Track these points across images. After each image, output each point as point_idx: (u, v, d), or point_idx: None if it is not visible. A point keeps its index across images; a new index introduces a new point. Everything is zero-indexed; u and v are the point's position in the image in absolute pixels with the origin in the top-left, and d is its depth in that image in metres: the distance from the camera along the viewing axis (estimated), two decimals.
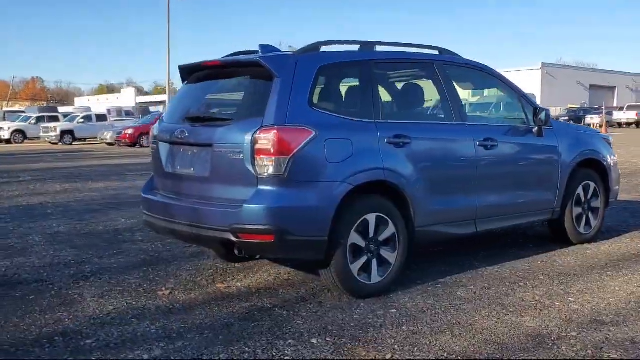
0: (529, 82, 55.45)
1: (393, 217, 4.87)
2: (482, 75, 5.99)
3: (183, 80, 5.49)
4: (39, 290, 5.12)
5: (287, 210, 4.41)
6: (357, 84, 5.10)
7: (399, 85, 5.41)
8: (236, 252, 4.59)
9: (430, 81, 5.50)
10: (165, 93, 73.78)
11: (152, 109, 53.53)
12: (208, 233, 4.61)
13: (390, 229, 4.87)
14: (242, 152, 4.47)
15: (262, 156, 4.40)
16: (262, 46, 5.14)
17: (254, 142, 4.42)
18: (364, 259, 4.76)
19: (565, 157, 6.26)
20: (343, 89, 5.21)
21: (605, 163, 6.71)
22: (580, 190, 6.49)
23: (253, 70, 4.89)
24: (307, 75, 4.64)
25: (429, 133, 5.24)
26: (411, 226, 5.00)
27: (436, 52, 5.69)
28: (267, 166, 4.39)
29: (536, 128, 6.03)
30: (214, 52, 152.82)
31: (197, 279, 5.43)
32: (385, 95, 5.11)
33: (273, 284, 5.25)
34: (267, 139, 4.38)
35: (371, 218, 4.76)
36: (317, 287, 5.08)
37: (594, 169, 6.63)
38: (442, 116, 5.43)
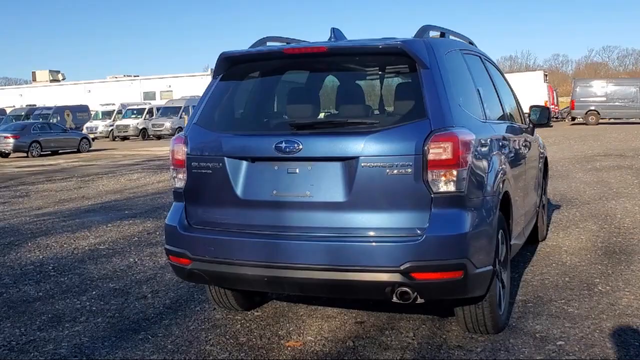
0: None
1: (505, 233, 4.17)
2: (494, 70, 5.51)
3: (217, 73, 3.95)
4: None
5: (472, 236, 3.41)
6: (462, 75, 4.23)
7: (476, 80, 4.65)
8: (395, 298, 3.38)
9: (483, 75, 4.87)
10: None
11: None
12: (358, 277, 3.34)
13: (504, 247, 4.17)
14: (407, 166, 3.32)
15: (437, 169, 3.33)
16: (334, 29, 4.02)
17: (426, 151, 3.33)
18: (499, 286, 3.98)
19: (542, 156, 6.19)
20: (457, 81, 4.30)
21: (547, 160, 6.82)
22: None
23: (384, 59, 3.82)
24: (444, 64, 3.69)
25: (510, 133, 4.64)
26: (509, 241, 4.35)
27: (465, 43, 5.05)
28: (445, 181, 3.34)
29: (530, 126, 5.82)
30: None
31: (242, 340, 4.02)
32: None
33: (355, 330, 4.11)
34: (443, 147, 3.33)
35: (499, 236, 4.00)
36: (415, 327, 4.12)
37: (543, 166, 6.68)
38: (501, 114, 4.85)
